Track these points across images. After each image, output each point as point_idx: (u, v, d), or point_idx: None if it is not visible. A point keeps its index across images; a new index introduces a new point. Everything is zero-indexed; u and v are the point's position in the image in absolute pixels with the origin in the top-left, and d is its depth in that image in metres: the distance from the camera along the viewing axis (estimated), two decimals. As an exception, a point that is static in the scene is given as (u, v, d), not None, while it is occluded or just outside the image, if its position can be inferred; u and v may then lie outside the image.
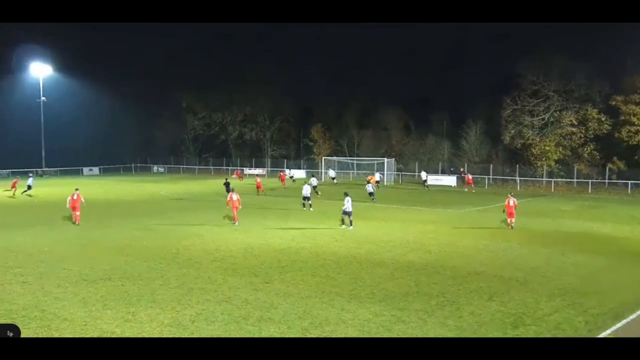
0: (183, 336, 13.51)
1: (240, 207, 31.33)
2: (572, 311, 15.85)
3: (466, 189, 57.36)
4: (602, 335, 14.01)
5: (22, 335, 13.36)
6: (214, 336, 13.51)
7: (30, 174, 54.18)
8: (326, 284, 18.54)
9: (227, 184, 44.39)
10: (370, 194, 44.37)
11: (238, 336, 13.53)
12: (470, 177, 59.63)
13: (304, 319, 14.84)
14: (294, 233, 28.25)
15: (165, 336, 13.50)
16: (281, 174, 63.70)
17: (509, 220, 30.97)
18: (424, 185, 59.96)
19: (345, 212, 29.53)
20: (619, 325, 14.77)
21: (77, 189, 33.07)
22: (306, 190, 38.18)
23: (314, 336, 13.57)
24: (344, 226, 29.66)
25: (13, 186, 48.54)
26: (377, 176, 62.25)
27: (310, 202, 38.33)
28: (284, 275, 19.62)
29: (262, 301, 16.45)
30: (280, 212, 37.04)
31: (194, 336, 13.52)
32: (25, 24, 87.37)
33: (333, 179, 64.77)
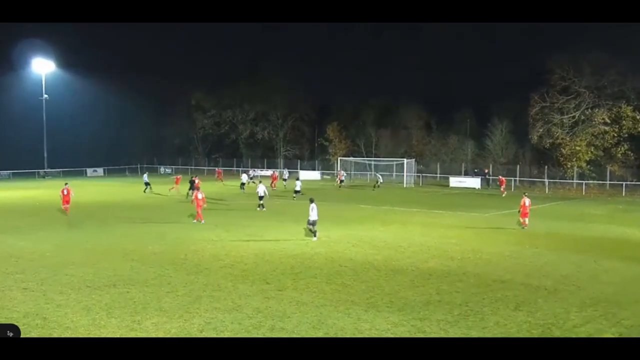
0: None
1: (204, 205, 33.89)
2: (604, 322, 15.71)
3: (503, 194, 54.69)
4: None
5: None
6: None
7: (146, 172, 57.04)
8: (342, 292, 18.50)
9: (192, 182, 45.79)
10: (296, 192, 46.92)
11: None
12: (503, 179, 58.53)
13: (318, 329, 14.82)
14: (307, 238, 28.22)
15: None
16: (274, 173, 64.03)
17: (522, 220, 32.09)
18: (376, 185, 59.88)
19: (309, 222, 27.90)
20: (655, 337, 14.65)
21: (66, 183, 38.64)
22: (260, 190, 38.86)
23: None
24: (314, 238, 27.59)
25: (177, 182, 51.56)
26: (342, 174, 63.94)
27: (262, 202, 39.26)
28: (298, 283, 19.59)
29: (274, 310, 16.43)
30: (294, 216, 37.01)
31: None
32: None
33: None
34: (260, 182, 32.00)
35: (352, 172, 69.73)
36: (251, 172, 67.26)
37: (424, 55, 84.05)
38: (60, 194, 37.55)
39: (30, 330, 14.64)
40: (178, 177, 54.11)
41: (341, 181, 62.86)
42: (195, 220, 33.22)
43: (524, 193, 34.50)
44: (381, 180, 60.41)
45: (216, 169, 76.44)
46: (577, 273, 21.54)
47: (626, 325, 15.45)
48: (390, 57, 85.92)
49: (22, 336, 14.00)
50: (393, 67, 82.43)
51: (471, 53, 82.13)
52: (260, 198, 38.66)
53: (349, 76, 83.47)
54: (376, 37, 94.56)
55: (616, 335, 14.70)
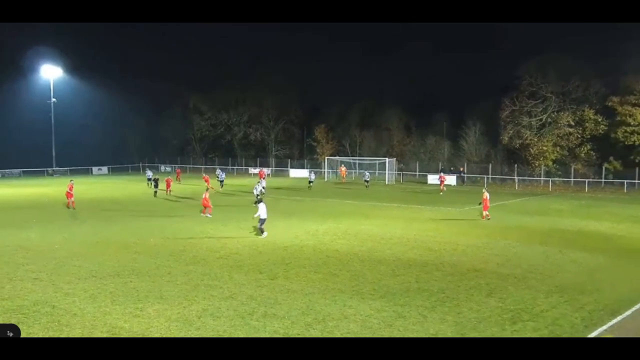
0: (190, 331, 13.53)
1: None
2: (569, 308, 15.86)
3: (442, 192, 52.30)
4: (597, 331, 14.03)
5: (33, 330, 13.45)
6: (220, 332, 13.54)
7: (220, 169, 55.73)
8: (329, 280, 18.56)
9: (155, 180, 46.60)
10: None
11: (243, 332, 13.55)
12: (444, 178, 56.38)
13: (307, 315, 14.87)
14: (297, 231, 28.26)
15: (172, 331, 13.53)
16: (261, 171, 63.25)
17: (484, 212, 32.69)
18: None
19: (261, 221, 26.82)
20: (614, 321, 14.78)
21: (71, 180, 39.48)
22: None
23: (317, 331, 13.59)
24: (263, 235, 26.56)
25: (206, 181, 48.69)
26: (265, 171, 63.41)
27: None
28: (288, 272, 19.64)
29: (267, 297, 16.48)
30: (283, 211, 36.98)
31: (200, 332, 13.54)
32: (35, 26, 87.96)
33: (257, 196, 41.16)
34: (258, 182, 31.71)
35: (337, 171, 69.64)
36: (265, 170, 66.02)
37: (404, 61, 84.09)
38: (68, 190, 38.11)
39: (40, 317, 14.60)
40: (205, 176, 50.57)
41: (367, 180, 58.94)
42: (204, 214, 33.54)
43: (484, 189, 34.88)
44: (367, 178, 58.73)
45: (176, 168, 74.32)
46: (544, 263, 21.71)
47: (588, 310, 15.60)
48: (372, 63, 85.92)
49: (32, 323, 14.04)
50: (376, 73, 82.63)
51: (447, 60, 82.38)
52: (257, 196, 37.04)
53: (335, 81, 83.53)
54: (360, 43, 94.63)
55: (576, 319, 14.85)
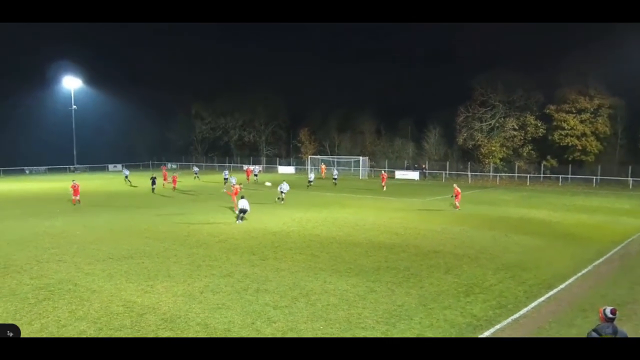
0: (193, 305, 13.52)
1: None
2: (513, 282, 16.08)
3: (384, 189, 47.84)
4: (536, 302, 14.24)
5: (59, 305, 13.33)
6: (219, 305, 13.54)
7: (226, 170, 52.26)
8: (311, 260, 18.64)
9: (153, 178, 44.20)
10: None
11: (239, 305, 13.57)
12: (385, 175, 51.88)
13: (293, 290, 14.92)
14: (284, 219, 28.28)
15: (178, 305, 13.51)
16: (247, 168, 60.93)
17: (456, 203, 32.75)
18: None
19: (241, 211, 27.12)
20: (551, 293, 15.03)
21: (74, 180, 37.07)
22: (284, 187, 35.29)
23: (302, 304, 13.65)
24: (239, 222, 26.85)
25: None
26: (255, 169, 60.62)
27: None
28: (277, 254, 19.68)
29: (259, 275, 16.51)
30: (273, 202, 36.94)
31: (202, 305, 13.53)
32: (59, 42, 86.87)
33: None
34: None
35: (318, 167, 69.63)
36: (253, 168, 62.48)
37: (376, 75, 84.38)
38: (71, 188, 35.44)
39: (64, 293, 14.50)
40: (174, 175, 47.23)
41: (335, 177, 54.63)
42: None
43: (454, 184, 35.22)
44: (335, 175, 54.90)
45: (162, 167, 68.36)
46: (492, 245, 21.96)
47: (529, 284, 15.83)
48: (349, 77, 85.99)
49: (57, 299, 13.93)
50: (352, 85, 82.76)
51: (412, 74, 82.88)
52: (281, 192, 35.53)
53: (316, 90, 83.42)
54: (338, 59, 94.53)
55: (519, 292, 15.06)
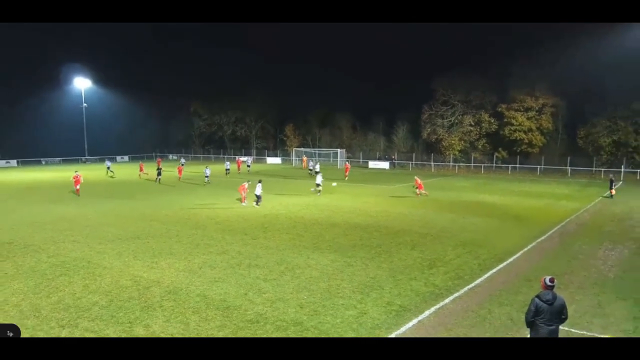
0: (193, 279, 13.48)
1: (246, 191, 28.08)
2: (469, 257, 16.33)
3: (346, 178, 45.58)
4: (489, 273, 14.48)
5: (74, 279, 13.19)
6: (216, 279, 13.53)
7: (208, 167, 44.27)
8: (296, 239, 18.69)
9: (159, 169, 42.69)
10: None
11: (234, 279, 13.57)
12: (348, 166, 50.57)
13: (281, 265, 14.96)
14: (273, 203, 28.23)
15: (180, 279, 13.46)
16: (238, 159, 58.96)
17: (417, 191, 32.56)
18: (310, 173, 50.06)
19: (257, 196, 26.94)
20: (501, 266, 15.29)
21: (76, 171, 34.40)
22: (258, 190, 27.58)
23: (288, 277, 13.70)
24: (257, 205, 26.69)
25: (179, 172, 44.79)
26: (248, 160, 58.83)
27: (319, 188, 33.11)
28: (267, 234, 19.69)
29: (251, 252, 16.52)
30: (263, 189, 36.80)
31: (201, 279, 13.51)
32: (70, 45, 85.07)
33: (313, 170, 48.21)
34: (259, 181, 28.21)
35: (300, 159, 69.42)
36: (244, 159, 60.66)
37: (351, 78, 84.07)
38: (73, 179, 32.78)
39: (79, 270, 14.36)
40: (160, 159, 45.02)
41: (310, 168, 52.33)
42: (243, 203, 27.69)
43: (415, 176, 35.47)
44: (311, 167, 52.55)
45: (140, 163, 59.34)
46: (451, 225, 22.22)
47: (483, 259, 16.09)
48: (329, 79, 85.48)
49: (72, 274, 13.78)
50: (332, 86, 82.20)
51: (382, 77, 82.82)
52: (257, 197, 28.54)
53: (300, 89, 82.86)
54: (319, 64, 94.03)
55: (474, 265, 15.29)
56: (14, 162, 71.66)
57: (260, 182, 28.06)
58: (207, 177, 40.77)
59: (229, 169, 51.26)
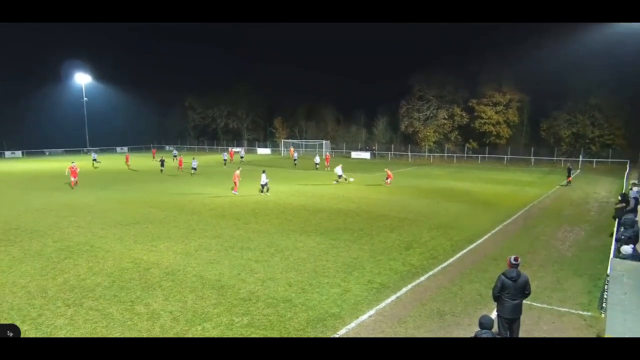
0: (189, 260, 13.45)
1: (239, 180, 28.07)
2: (443, 239, 16.53)
3: (327, 169, 44.33)
4: (460, 253, 14.69)
5: (79, 262, 13.06)
6: (211, 260, 13.51)
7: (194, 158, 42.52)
8: (285, 224, 18.71)
9: (162, 160, 41.97)
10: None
11: (227, 260, 13.56)
12: (328, 156, 49.29)
13: (271, 247, 14.99)
14: (264, 193, 28.13)
15: (177, 261, 13.42)
16: (230, 150, 57.60)
17: (387, 181, 32.12)
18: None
19: (262, 184, 26.77)
20: (471, 246, 15.52)
21: (73, 162, 32.41)
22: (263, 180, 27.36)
23: (277, 259, 13.74)
24: (263, 193, 26.57)
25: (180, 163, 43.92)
26: (241, 152, 57.95)
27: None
28: (257, 219, 19.67)
29: (243, 236, 16.51)
30: (253, 177, 36.62)
31: (197, 261, 13.48)
32: (71, 43, 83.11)
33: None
34: (263, 171, 27.48)
35: (287, 149, 69.18)
36: (236, 150, 59.23)
37: (335, 75, 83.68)
38: (68, 169, 30.03)
39: (82, 253, 14.22)
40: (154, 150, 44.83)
41: (295, 159, 51.47)
42: (235, 192, 27.18)
43: (385, 168, 35.34)
44: (296, 157, 52.08)
45: (126, 154, 60.99)
46: (427, 209, 22.41)
47: (455, 240, 16.30)
48: (314, 75, 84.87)
49: (76, 257, 13.64)
50: (316, 82, 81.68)
51: (364, 74, 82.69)
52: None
53: (288, 85, 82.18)
54: (305, 62, 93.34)
55: (447, 246, 15.49)
56: (19, 153, 70.23)
57: (264, 172, 27.63)
58: (194, 168, 39.10)
59: (226, 159, 50.43)
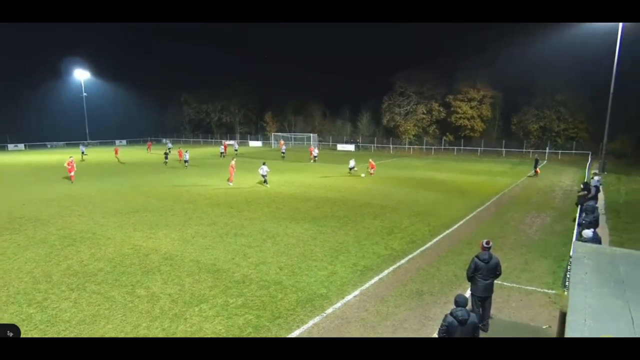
0: (186, 247, 13.38)
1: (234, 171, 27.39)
2: (421, 224, 16.68)
3: (311, 161, 44.05)
4: (437, 238, 14.85)
5: (82, 249, 12.90)
6: (207, 246, 13.46)
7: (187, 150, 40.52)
8: (276, 212, 18.69)
9: (166, 153, 41.30)
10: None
11: (222, 246, 13.52)
12: (312, 149, 47.42)
13: (262, 234, 14.98)
14: (255, 182, 28.05)
15: (175, 247, 13.34)
16: (224, 143, 55.81)
17: (369, 171, 31.90)
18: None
19: (263, 175, 26.19)
20: (447, 231, 15.69)
21: (71, 156, 30.27)
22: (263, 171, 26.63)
23: (269, 244, 13.74)
24: (266, 185, 25.95)
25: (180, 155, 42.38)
26: (235, 145, 56.51)
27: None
28: (250, 207, 19.61)
29: (236, 223, 16.46)
30: (245, 168, 36.44)
31: (194, 247, 13.42)
32: (71, 41, 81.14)
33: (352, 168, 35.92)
34: (264, 162, 26.83)
35: (276, 141, 68.90)
36: (230, 142, 57.60)
37: (323, 73, 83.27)
38: (67, 165, 28.04)
39: (85, 240, 14.04)
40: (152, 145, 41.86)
41: (283, 151, 49.89)
42: (230, 183, 26.57)
43: (370, 159, 35.28)
44: (284, 150, 50.60)
45: (147, 142, 65.27)
46: (407, 198, 22.54)
47: (433, 226, 16.46)
48: (303, 73, 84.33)
49: (79, 245, 13.47)
50: (305, 80, 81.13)
51: (349, 72, 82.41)
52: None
53: (278, 82, 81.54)
54: (295, 60, 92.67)
55: (426, 231, 15.65)
56: (21, 146, 68.71)
57: (264, 163, 26.93)
58: (186, 161, 37.96)
59: (223, 152, 49.46)
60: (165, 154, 41.39)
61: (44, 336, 7.90)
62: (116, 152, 47.76)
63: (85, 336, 7.92)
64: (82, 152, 48.89)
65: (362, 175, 31.33)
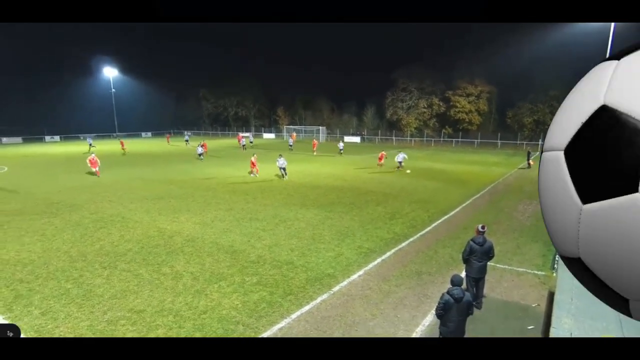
0: (206, 230, 13.53)
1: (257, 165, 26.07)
2: (421, 211, 16.66)
3: (314, 153, 42.78)
4: (435, 223, 14.82)
5: (112, 231, 13.12)
6: (225, 230, 13.59)
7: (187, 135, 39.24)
8: (287, 199, 18.78)
9: (200, 153, 37.49)
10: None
11: (238, 230, 13.65)
12: (315, 142, 46.24)
13: (275, 218, 15.09)
14: (267, 171, 28.11)
15: (196, 230, 13.50)
16: (238, 135, 54.22)
17: (379, 162, 30.80)
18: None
19: (281, 168, 24.70)
20: (445, 217, 15.65)
21: (92, 153, 29.66)
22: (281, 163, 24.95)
23: (282, 228, 13.84)
24: (285, 177, 24.65)
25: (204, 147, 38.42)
26: (250, 137, 54.81)
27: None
28: (264, 194, 19.72)
29: (252, 209, 16.58)
30: (260, 159, 36.42)
31: (213, 230, 13.56)
32: (101, 42, 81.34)
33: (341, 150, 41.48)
34: (280, 155, 25.59)
35: (289, 135, 68.71)
36: (245, 135, 55.72)
37: (329, 71, 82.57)
38: (88, 162, 26.09)
39: (115, 223, 14.26)
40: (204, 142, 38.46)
41: (290, 144, 47.67)
42: (252, 174, 25.65)
43: (382, 151, 34.52)
44: (291, 143, 48.63)
45: (166, 134, 67.20)
46: (408, 186, 22.48)
47: (432, 212, 16.43)
48: (311, 72, 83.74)
49: (109, 227, 13.69)
50: (313, 78, 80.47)
51: (354, 70, 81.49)
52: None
53: (289, 78, 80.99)
54: (302, 60, 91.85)
55: (425, 217, 15.62)
56: (57, 138, 69.62)
57: (281, 156, 25.39)
58: (200, 154, 35.80)
59: (244, 145, 47.27)
60: (200, 148, 36.81)
61: (78, 310, 8.09)
62: (122, 145, 45.75)
63: (116, 309, 8.10)
64: (90, 144, 49.32)
65: (408, 171, 28.23)
